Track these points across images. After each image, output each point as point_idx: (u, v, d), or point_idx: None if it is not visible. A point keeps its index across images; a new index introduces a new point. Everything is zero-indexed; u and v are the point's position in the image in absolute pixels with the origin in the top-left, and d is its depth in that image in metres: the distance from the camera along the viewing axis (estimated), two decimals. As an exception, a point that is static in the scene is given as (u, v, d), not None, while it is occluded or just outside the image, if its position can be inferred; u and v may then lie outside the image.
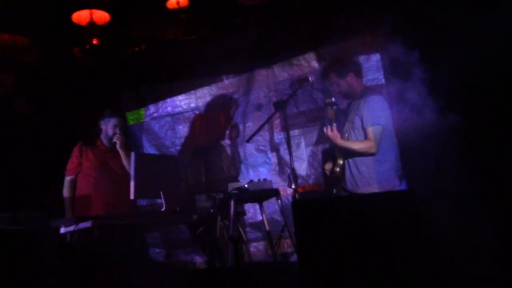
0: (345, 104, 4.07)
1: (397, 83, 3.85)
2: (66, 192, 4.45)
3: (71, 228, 3.62)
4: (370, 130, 3.66)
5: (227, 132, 5.19)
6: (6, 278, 2.82)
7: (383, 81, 4.42)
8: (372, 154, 3.67)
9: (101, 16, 5.15)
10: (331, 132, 3.69)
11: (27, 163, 5.05)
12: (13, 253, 2.95)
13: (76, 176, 4.49)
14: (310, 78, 3.98)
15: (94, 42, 5.34)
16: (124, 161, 4.42)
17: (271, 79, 5.00)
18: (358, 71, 3.97)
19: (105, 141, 4.55)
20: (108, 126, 4.50)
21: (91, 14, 5.09)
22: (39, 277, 2.90)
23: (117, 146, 4.41)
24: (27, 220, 3.50)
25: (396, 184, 3.69)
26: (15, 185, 4.84)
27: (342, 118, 4.00)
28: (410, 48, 3.71)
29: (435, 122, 3.48)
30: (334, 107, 3.76)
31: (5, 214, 3.51)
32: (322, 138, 4.39)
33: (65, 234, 3.72)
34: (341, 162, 3.78)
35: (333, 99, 3.77)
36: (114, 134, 4.45)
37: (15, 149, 5.12)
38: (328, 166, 3.91)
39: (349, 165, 3.78)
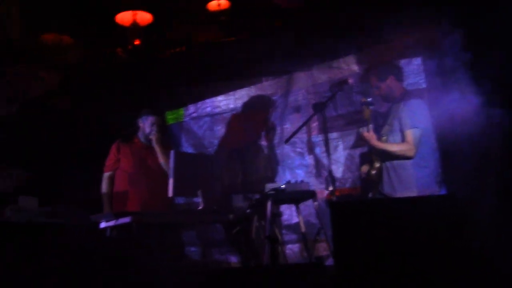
0: (385, 107, 4.03)
1: (438, 86, 3.79)
2: (104, 188, 4.54)
3: (111, 223, 3.69)
4: (408, 133, 3.63)
5: (264, 133, 5.21)
6: (43, 269, 2.88)
7: (424, 85, 4.35)
8: (409, 158, 3.62)
9: (144, 17, 5.25)
10: (367, 133, 3.66)
11: (65, 158, 5.19)
12: (51, 246, 3.02)
13: (114, 172, 4.58)
14: (349, 81, 3.96)
15: (136, 42, 5.45)
16: (160, 158, 4.47)
17: (310, 81, 4.99)
18: (398, 75, 3.94)
19: (142, 139, 4.62)
20: (146, 124, 4.56)
21: (134, 15, 5.21)
22: (76, 269, 2.96)
23: (153, 143, 4.48)
24: (63, 214, 3.59)
25: (435, 190, 3.64)
26: (55, 179, 4.99)
27: (381, 122, 3.97)
28: (452, 51, 3.65)
29: (477, 121, 3.41)
30: (371, 106, 3.74)
31: (45, 209, 3.62)
32: (360, 141, 4.36)
33: (104, 229, 3.80)
34: (377, 165, 3.75)
35: (369, 99, 3.75)
36: (151, 132, 4.51)
37: (55, 145, 5.27)
38: (365, 168, 3.88)
39: (386, 169, 3.74)
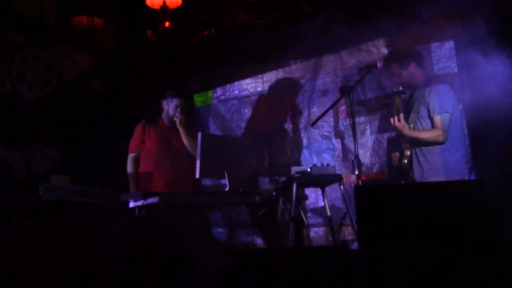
0: (408, 94, 3.98)
1: (470, 68, 3.71)
2: (129, 169, 4.58)
3: (140, 203, 3.76)
4: (438, 119, 3.59)
5: (291, 116, 5.20)
6: (83, 248, 2.96)
7: (455, 69, 4.27)
8: (440, 143, 3.59)
9: (174, 0, 5.29)
10: (398, 122, 3.63)
11: (98, 139, 5.30)
12: (87, 224, 3.10)
13: (139, 153, 4.61)
14: (378, 64, 3.91)
15: (166, 25, 5.49)
16: (184, 139, 4.49)
17: (339, 65, 4.94)
18: (419, 61, 3.88)
19: (166, 120, 4.63)
20: (170, 106, 4.57)
21: (164, -2, 5.24)
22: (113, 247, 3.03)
23: (177, 124, 4.51)
24: (97, 193, 3.68)
25: (465, 175, 3.60)
26: (87, 160, 5.10)
27: (406, 109, 3.92)
28: (487, 33, 3.55)
29: (509, 105, 3.33)
30: (403, 95, 3.69)
31: (80, 188, 3.71)
32: (388, 126, 4.31)
33: (133, 208, 3.88)
34: (408, 153, 3.72)
35: (401, 87, 3.71)
36: (175, 114, 4.53)
37: (88, 126, 5.38)
38: (395, 156, 3.85)
39: (416, 155, 3.71)
